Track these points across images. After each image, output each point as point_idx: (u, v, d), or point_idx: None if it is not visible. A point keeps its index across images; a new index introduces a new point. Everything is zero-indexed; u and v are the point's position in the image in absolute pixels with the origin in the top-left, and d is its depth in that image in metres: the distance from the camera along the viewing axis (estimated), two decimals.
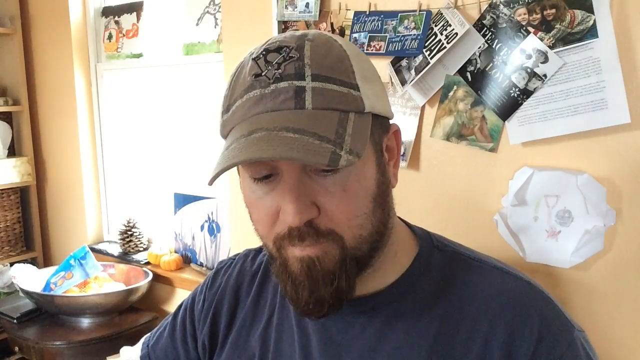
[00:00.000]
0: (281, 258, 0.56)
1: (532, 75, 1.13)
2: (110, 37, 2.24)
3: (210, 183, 0.53)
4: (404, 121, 1.33)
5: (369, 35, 1.35)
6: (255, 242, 0.75)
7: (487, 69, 1.20)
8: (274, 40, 0.56)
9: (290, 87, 0.52)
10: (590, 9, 1.06)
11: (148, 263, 2.06)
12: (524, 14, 1.14)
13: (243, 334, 0.70)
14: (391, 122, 0.62)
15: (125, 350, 0.84)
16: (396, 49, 1.31)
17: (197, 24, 1.96)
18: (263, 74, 0.53)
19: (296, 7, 1.48)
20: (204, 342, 0.73)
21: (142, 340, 0.83)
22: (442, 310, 0.60)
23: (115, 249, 2.21)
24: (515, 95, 1.16)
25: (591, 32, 1.06)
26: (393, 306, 0.61)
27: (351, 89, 0.53)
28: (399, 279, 0.62)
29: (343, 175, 0.53)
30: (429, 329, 0.59)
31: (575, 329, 0.58)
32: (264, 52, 0.54)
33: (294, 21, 1.50)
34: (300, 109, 0.51)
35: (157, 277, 1.98)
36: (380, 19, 1.33)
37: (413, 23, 1.29)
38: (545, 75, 1.12)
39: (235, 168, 0.55)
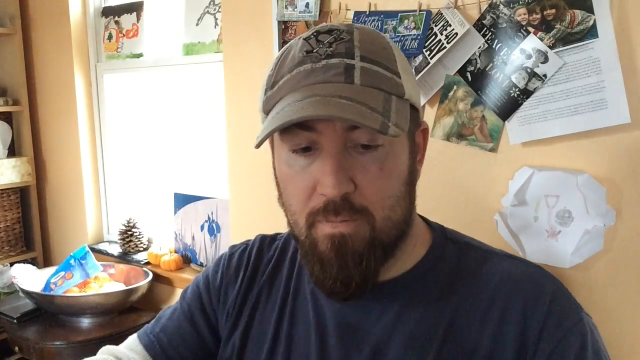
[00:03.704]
0: (311, 238, 0.57)
1: (532, 75, 1.13)
2: (110, 37, 2.24)
3: (258, 145, 0.54)
4: None
5: None
6: None
7: (487, 69, 1.20)
8: (323, 25, 0.59)
9: (341, 64, 0.55)
10: (590, 9, 1.06)
11: (148, 263, 2.06)
12: (524, 14, 1.14)
13: (257, 316, 0.70)
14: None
15: (107, 348, 0.77)
16: None
17: (197, 24, 1.96)
18: (315, 50, 0.56)
19: (296, 7, 1.48)
20: (229, 312, 0.72)
21: (133, 336, 0.78)
22: (456, 296, 0.61)
23: (115, 249, 2.21)
24: (515, 95, 1.16)
25: (591, 32, 1.06)
26: (409, 292, 0.62)
27: (394, 75, 0.56)
28: (414, 266, 0.63)
29: (381, 154, 0.55)
30: (444, 313, 0.60)
31: (582, 311, 0.60)
32: (314, 33, 0.58)
33: (294, 21, 1.50)
34: (350, 83, 0.54)
35: (157, 277, 1.98)
36: (380, 19, 1.33)
37: (413, 23, 1.29)
38: (545, 75, 1.12)
39: (268, 144, 0.58)
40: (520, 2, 1.14)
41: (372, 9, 1.35)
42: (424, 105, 1.31)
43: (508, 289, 0.60)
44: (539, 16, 1.12)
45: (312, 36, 0.57)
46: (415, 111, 0.60)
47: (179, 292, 1.98)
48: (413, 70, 1.29)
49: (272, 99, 0.58)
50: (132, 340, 0.78)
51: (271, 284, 0.72)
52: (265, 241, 0.77)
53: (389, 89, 0.55)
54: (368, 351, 0.61)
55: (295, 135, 0.55)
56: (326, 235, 0.56)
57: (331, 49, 0.55)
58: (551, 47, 1.11)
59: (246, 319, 0.71)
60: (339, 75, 0.54)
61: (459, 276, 0.63)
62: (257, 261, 0.74)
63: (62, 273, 1.93)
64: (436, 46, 1.25)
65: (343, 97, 0.52)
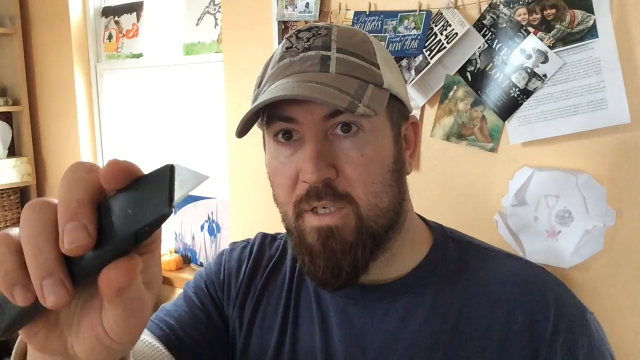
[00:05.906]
0: (299, 229, 0.58)
1: (532, 75, 1.13)
2: (110, 37, 2.24)
3: (239, 135, 0.56)
4: None
5: None
6: None
7: (487, 69, 1.20)
8: (305, 24, 0.61)
9: (317, 55, 0.57)
10: (590, 9, 1.06)
11: None
12: (524, 14, 1.14)
13: (259, 314, 0.70)
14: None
15: None
16: (396, 49, 1.31)
17: (197, 24, 1.96)
18: (294, 46, 0.58)
19: (296, 7, 1.48)
20: (233, 305, 0.71)
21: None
22: (460, 296, 0.61)
23: None
24: (515, 95, 1.16)
25: (591, 32, 1.06)
26: (413, 292, 0.62)
27: (372, 65, 0.57)
28: (417, 266, 0.63)
29: (361, 140, 0.55)
30: (449, 314, 0.60)
31: (587, 311, 0.60)
32: (295, 32, 0.60)
33: (294, 21, 1.50)
34: (325, 72, 0.55)
35: None
36: (380, 19, 1.33)
37: (413, 23, 1.29)
38: (545, 75, 1.12)
39: (262, 143, 0.60)
40: (520, 2, 1.14)
41: (372, 9, 1.35)
42: (423, 106, 1.31)
43: (513, 289, 0.60)
44: (539, 16, 1.12)
45: (293, 34, 0.59)
46: (400, 104, 0.60)
47: (179, 292, 1.98)
48: (413, 71, 1.29)
49: (258, 96, 0.60)
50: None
51: (273, 281, 0.71)
52: (267, 239, 0.77)
53: (366, 78, 0.56)
54: (373, 353, 0.61)
55: (277, 126, 0.57)
56: (313, 227, 0.56)
57: (309, 43, 0.57)
58: (551, 47, 1.11)
59: (249, 317, 0.70)
60: (315, 65, 0.56)
61: (463, 275, 0.62)
62: (259, 257, 0.73)
63: None
64: (436, 46, 1.25)
65: (314, 82, 0.53)
